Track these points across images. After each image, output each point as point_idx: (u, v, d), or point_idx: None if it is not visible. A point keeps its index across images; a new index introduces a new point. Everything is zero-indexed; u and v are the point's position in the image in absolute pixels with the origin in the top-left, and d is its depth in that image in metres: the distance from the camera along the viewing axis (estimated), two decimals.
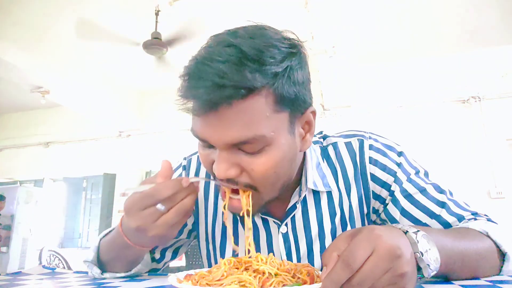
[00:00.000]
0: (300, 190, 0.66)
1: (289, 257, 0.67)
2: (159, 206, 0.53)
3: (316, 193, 0.68)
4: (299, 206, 0.67)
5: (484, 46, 4.28)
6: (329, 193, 0.68)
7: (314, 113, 0.60)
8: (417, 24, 3.88)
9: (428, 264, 0.42)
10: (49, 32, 3.89)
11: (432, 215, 0.64)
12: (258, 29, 0.54)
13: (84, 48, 4.19)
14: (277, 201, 0.63)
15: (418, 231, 0.43)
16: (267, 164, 0.53)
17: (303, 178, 0.66)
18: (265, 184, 0.55)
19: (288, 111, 0.54)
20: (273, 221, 0.68)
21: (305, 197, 0.68)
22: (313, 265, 0.66)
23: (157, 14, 3.53)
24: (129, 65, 4.65)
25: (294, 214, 0.67)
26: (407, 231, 0.43)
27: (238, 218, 0.70)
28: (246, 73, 0.48)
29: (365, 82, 4.63)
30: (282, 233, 0.68)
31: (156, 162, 5.46)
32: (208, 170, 0.59)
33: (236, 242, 0.70)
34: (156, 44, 3.49)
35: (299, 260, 0.68)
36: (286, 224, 0.68)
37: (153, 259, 0.75)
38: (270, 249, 0.69)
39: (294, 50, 0.54)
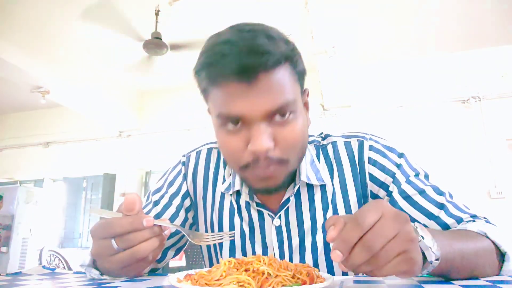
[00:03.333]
0: (294, 183, 0.68)
1: (281, 250, 0.68)
2: (113, 242, 0.49)
3: (310, 188, 0.69)
4: (292, 199, 0.68)
5: (484, 46, 4.28)
6: (323, 188, 0.70)
7: (308, 93, 0.68)
8: (417, 24, 3.88)
9: (430, 247, 0.42)
10: (49, 32, 3.89)
11: (430, 216, 0.64)
12: (251, 23, 0.58)
13: (84, 48, 4.19)
14: (272, 194, 0.66)
15: (417, 227, 0.44)
16: (295, 132, 0.58)
17: (297, 172, 0.68)
18: (295, 152, 0.60)
19: (300, 85, 0.62)
20: (268, 214, 0.70)
21: (299, 191, 0.69)
22: (304, 259, 0.68)
23: (157, 14, 3.53)
24: (129, 65, 4.65)
25: (288, 207, 0.69)
26: None
27: (236, 208, 0.72)
28: (276, 44, 0.54)
29: (365, 82, 4.63)
30: (275, 225, 0.69)
31: (156, 162, 5.46)
32: (235, 157, 0.59)
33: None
34: (156, 44, 3.49)
35: (290, 253, 0.68)
36: (279, 217, 0.69)
37: (154, 269, 0.76)
38: (264, 242, 0.70)
39: (291, 39, 0.60)
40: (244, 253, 0.71)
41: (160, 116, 5.51)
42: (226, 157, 0.63)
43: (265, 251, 0.70)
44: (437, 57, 4.47)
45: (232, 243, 0.72)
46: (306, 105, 0.67)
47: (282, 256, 0.68)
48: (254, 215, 0.71)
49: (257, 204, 0.70)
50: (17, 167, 6.06)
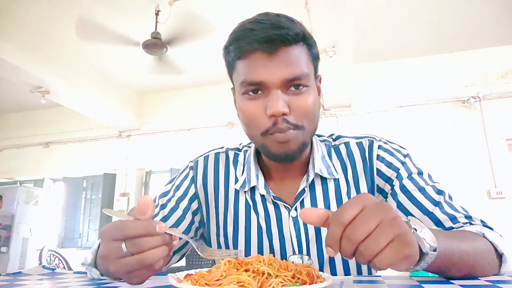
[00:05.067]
0: (308, 176, 0.72)
1: (299, 240, 0.71)
2: (123, 246, 0.48)
3: (324, 181, 0.73)
4: (307, 190, 0.72)
5: (484, 46, 4.28)
6: (337, 182, 0.74)
7: (320, 79, 0.75)
8: (417, 24, 3.88)
9: (423, 238, 0.43)
10: (49, 32, 3.89)
11: (425, 211, 0.66)
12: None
13: (84, 48, 4.19)
14: (287, 187, 0.73)
15: (410, 220, 0.45)
16: (308, 102, 0.64)
17: (310, 165, 0.73)
18: (308, 120, 0.65)
19: (313, 67, 0.69)
20: (284, 206, 0.72)
21: (313, 183, 0.73)
22: (322, 248, 0.70)
23: (157, 14, 3.53)
24: (129, 65, 4.65)
25: (303, 199, 0.72)
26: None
27: (251, 205, 0.74)
28: (296, 25, 0.64)
29: (365, 82, 4.63)
30: (292, 217, 0.72)
31: (156, 162, 5.46)
32: (256, 122, 0.65)
33: (248, 228, 0.74)
34: (156, 44, 3.49)
35: (307, 243, 0.70)
36: (296, 209, 0.72)
37: None
38: (281, 233, 0.72)
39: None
40: (260, 248, 0.72)
41: (160, 116, 5.51)
42: (247, 124, 0.67)
43: (282, 244, 0.71)
44: (437, 57, 4.47)
45: (248, 239, 0.73)
46: (318, 89, 0.72)
47: (300, 247, 0.70)
48: (271, 208, 0.73)
49: (274, 197, 0.72)
50: (17, 167, 6.06)
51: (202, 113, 5.23)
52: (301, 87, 0.63)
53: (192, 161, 0.83)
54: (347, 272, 0.70)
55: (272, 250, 0.71)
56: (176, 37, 3.58)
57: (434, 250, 0.43)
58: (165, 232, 0.50)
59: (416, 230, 0.43)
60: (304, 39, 0.65)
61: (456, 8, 3.62)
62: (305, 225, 0.71)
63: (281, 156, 0.66)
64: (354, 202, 0.42)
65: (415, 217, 0.64)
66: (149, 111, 5.59)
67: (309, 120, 0.66)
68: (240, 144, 0.85)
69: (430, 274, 0.64)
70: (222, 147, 0.85)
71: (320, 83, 0.74)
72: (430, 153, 4.21)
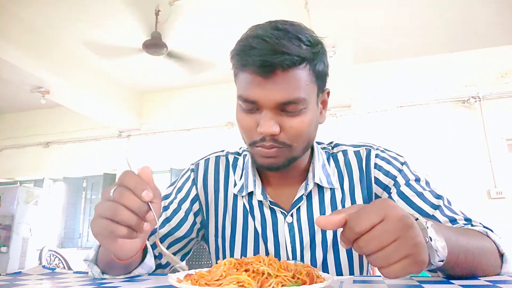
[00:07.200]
0: (307, 184, 0.73)
1: (293, 245, 0.72)
2: (111, 193, 0.47)
3: (320, 190, 0.74)
4: (304, 198, 0.73)
5: (484, 46, 4.28)
6: (333, 191, 0.74)
7: (328, 93, 0.72)
8: (416, 24, 3.88)
9: (436, 250, 0.43)
10: (49, 32, 3.89)
11: (425, 215, 0.66)
12: (290, 22, 0.64)
13: (84, 48, 4.19)
14: (285, 193, 0.74)
15: (427, 221, 0.45)
16: (303, 123, 0.63)
17: (310, 174, 0.73)
18: (299, 141, 0.65)
19: (317, 85, 0.66)
20: (280, 211, 0.73)
21: (310, 192, 0.73)
22: (315, 255, 0.71)
23: (157, 14, 3.53)
24: (129, 65, 4.65)
25: (300, 206, 0.73)
26: (417, 218, 0.45)
27: (248, 209, 0.75)
28: (297, 47, 0.59)
29: (365, 82, 4.63)
30: (288, 222, 0.72)
31: (156, 162, 5.46)
32: (247, 133, 0.67)
33: (246, 232, 0.75)
34: (156, 44, 3.49)
35: (302, 249, 0.71)
36: (292, 215, 0.73)
37: (159, 266, 0.75)
38: (276, 237, 0.73)
39: (321, 41, 0.65)
40: (257, 252, 0.73)
41: (160, 116, 5.51)
42: (241, 132, 0.69)
43: (277, 249, 0.72)
44: (437, 57, 4.47)
45: (245, 242, 0.74)
46: (323, 103, 0.72)
47: (294, 252, 0.71)
48: (267, 213, 0.74)
49: (271, 203, 0.73)
50: (17, 167, 6.05)
51: (202, 113, 5.23)
52: (296, 109, 0.62)
53: (193, 164, 0.84)
54: None
55: (267, 254, 0.72)
56: (176, 37, 3.58)
57: (442, 260, 0.44)
58: (155, 231, 0.50)
59: (431, 239, 0.43)
60: (308, 59, 0.61)
61: (456, 8, 3.62)
62: (300, 231, 0.72)
63: (266, 167, 0.67)
64: (375, 210, 0.41)
65: None
66: (149, 111, 5.59)
67: (301, 140, 0.66)
68: (240, 149, 0.86)
69: (430, 275, 0.63)
70: (223, 151, 0.85)
71: (328, 96, 0.72)
72: (430, 153, 4.20)
